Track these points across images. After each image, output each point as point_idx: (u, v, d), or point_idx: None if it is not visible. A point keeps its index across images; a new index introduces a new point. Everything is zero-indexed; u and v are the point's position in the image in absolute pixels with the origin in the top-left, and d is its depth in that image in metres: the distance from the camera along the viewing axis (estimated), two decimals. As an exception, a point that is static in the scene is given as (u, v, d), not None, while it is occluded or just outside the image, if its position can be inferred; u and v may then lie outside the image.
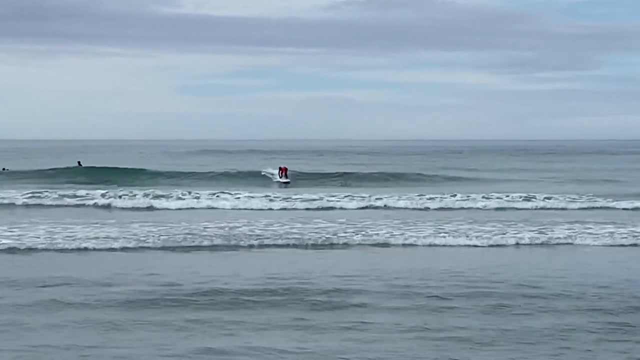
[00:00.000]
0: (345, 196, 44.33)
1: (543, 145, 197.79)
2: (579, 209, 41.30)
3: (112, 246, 26.39)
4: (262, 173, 62.18)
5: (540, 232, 29.99)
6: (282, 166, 62.83)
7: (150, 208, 41.30)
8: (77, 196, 44.54)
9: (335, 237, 28.67)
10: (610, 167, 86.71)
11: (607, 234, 29.60)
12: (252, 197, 43.91)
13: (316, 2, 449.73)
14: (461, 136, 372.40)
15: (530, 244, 28.17)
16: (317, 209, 40.78)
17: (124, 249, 26.20)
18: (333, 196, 44.23)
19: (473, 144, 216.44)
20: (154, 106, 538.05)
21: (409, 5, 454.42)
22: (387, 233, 29.54)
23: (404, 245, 27.88)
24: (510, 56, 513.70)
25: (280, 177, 59.94)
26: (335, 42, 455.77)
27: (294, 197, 44.19)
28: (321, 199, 43.30)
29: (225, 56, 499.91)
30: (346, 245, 27.63)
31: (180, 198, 44.05)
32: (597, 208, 41.47)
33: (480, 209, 40.97)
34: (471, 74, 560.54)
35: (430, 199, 43.27)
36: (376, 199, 43.25)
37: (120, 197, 43.87)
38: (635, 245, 28.11)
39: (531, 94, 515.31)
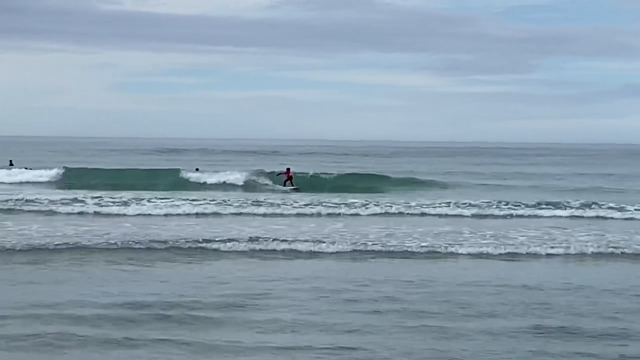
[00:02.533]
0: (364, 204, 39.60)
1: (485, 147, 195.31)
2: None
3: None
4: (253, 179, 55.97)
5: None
6: (286, 170, 54.57)
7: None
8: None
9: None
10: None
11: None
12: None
13: (257, 1, 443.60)
14: (401, 137, 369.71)
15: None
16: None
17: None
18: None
19: (415, 145, 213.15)
20: (90, 103, 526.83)
21: (349, 6, 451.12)
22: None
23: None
24: (449, 59, 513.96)
25: (285, 185, 52.83)
26: (276, 41, 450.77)
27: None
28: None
29: (165, 54, 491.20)
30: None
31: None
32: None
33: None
34: (410, 76, 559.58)
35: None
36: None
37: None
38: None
39: (470, 97, 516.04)
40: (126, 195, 40.93)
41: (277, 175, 54.71)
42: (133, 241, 25.93)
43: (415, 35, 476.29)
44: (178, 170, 58.56)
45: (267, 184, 54.52)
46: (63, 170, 58.54)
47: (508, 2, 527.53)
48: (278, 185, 53.15)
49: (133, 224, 31.24)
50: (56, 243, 25.41)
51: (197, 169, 60.15)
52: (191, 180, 55.90)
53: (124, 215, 35.25)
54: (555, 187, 56.88)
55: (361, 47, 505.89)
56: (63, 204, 37.30)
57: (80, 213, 35.63)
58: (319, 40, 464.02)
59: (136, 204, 37.97)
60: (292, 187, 51.97)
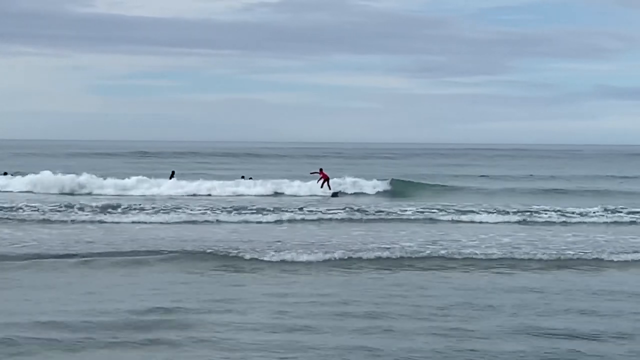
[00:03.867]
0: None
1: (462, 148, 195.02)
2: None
3: None
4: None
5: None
6: (319, 170, 52.78)
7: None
8: None
9: None
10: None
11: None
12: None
13: (230, 3, 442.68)
14: (375, 139, 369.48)
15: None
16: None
17: None
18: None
19: (394, 146, 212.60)
20: (65, 106, 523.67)
21: (323, 8, 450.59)
22: None
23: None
24: (423, 60, 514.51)
25: (322, 186, 51.17)
26: (250, 44, 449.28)
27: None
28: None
29: (139, 57, 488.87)
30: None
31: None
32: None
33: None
34: (385, 78, 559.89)
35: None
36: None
37: None
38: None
39: (444, 99, 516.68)
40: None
41: (312, 173, 53.09)
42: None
43: (388, 37, 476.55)
44: None
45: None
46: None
47: (481, 4, 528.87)
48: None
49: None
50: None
51: (173, 172, 59.09)
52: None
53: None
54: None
55: (335, 49, 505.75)
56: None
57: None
58: (293, 43, 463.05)
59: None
60: (332, 192, 50.30)
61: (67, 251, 25.16)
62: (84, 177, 53.04)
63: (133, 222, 34.46)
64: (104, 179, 53.50)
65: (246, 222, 35.11)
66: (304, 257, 24.08)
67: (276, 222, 35.18)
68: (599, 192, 54.76)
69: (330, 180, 51.84)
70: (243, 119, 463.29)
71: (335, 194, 49.77)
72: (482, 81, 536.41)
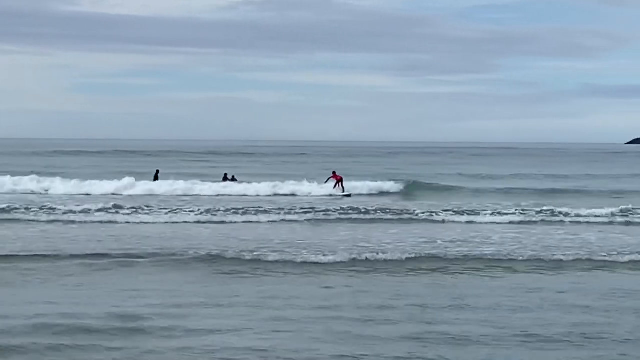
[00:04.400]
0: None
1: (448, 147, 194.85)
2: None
3: None
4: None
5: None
6: (335, 175, 52.18)
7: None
8: None
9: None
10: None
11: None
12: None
13: (215, 2, 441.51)
14: (361, 138, 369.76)
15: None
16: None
17: None
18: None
19: (381, 145, 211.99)
20: (48, 104, 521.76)
21: (308, 7, 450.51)
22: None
23: None
24: (409, 59, 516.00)
25: (335, 188, 50.60)
26: (234, 42, 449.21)
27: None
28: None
29: (123, 55, 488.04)
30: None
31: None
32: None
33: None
34: (370, 76, 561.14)
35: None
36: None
37: None
38: None
39: (430, 97, 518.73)
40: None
41: (326, 182, 51.92)
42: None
43: (373, 35, 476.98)
44: None
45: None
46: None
47: (467, 3, 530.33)
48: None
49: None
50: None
51: (157, 172, 57.90)
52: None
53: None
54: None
55: (319, 47, 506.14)
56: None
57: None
58: (278, 42, 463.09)
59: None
60: (344, 193, 49.55)
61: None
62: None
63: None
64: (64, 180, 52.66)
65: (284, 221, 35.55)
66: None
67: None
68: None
69: (345, 182, 51.57)
70: (228, 117, 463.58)
71: (348, 195, 49.07)
72: (468, 80, 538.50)
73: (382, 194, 51.65)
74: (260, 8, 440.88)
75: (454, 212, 37.64)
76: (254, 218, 35.89)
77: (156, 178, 56.13)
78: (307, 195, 49.08)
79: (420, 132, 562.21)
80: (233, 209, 37.78)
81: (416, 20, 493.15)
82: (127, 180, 52.39)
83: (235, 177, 59.19)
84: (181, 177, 56.36)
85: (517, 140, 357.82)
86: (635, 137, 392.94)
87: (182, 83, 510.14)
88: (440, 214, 36.95)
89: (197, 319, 15.98)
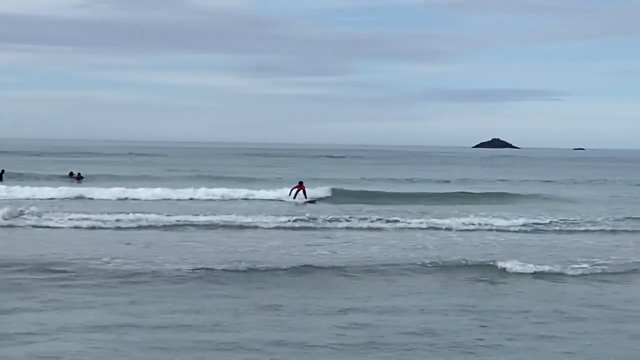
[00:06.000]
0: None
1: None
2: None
3: None
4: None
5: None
6: (299, 183, 50.27)
7: None
8: None
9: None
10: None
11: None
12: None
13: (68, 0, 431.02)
14: (213, 139, 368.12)
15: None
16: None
17: None
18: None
19: (229, 146, 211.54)
20: None
21: (160, 7, 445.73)
22: None
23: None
24: (262, 60, 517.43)
25: (295, 197, 48.53)
26: (86, 41, 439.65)
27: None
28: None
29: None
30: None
31: None
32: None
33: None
34: (222, 77, 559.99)
35: None
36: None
37: None
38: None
39: (279, 98, 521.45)
40: None
41: (294, 196, 48.89)
42: None
43: (226, 36, 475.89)
44: None
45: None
46: None
47: (316, 5, 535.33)
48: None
49: None
50: None
51: (2, 171, 56.10)
52: None
53: None
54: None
55: (172, 47, 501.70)
56: None
57: None
58: (130, 40, 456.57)
59: None
60: (307, 200, 47.98)
61: None
62: None
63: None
64: None
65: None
66: None
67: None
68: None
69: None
70: (78, 116, 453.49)
71: (312, 201, 47.83)
72: (316, 82, 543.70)
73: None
74: (113, 7, 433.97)
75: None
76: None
77: (0, 178, 54.51)
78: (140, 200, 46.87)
79: (272, 134, 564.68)
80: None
81: (268, 21, 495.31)
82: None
83: (81, 174, 58.09)
84: (28, 177, 54.77)
85: (367, 143, 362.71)
86: (482, 141, 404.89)
87: (31, 81, 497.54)
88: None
89: None
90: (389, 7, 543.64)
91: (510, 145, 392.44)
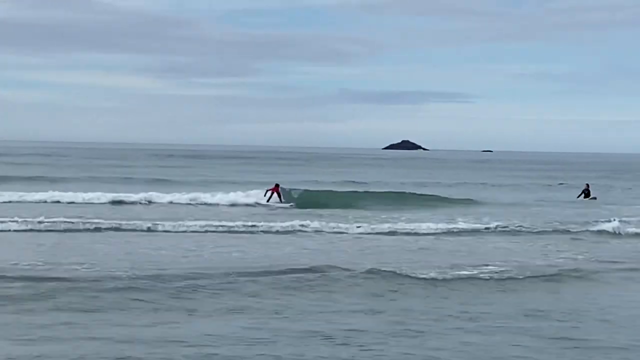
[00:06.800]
0: None
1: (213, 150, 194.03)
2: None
3: None
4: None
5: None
6: (275, 186, 48.83)
7: None
8: None
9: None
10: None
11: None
12: None
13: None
14: (121, 139, 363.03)
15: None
16: None
17: None
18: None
19: (135, 147, 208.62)
20: None
21: (67, 6, 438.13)
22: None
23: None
24: (171, 61, 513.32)
25: (269, 200, 47.03)
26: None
27: None
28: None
29: None
30: None
31: None
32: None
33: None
34: (131, 78, 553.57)
35: None
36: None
37: None
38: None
39: (191, 99, 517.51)
40: None
41: (268, 199, 47.52)
42: None
43: (134, 36, 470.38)
44: None
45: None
46: None
47: (228, 6, 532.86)
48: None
49: None
50: None
51: None
52: None
53: None
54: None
55: (80, 47, 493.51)
56: None
57: None
58: (34, 40, 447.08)
59: None
60: (280, 202, 46.85)
61: None
62: None
63: None
64: None
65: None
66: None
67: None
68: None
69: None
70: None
71: (286, 204, 46.66)
72: (229, 83, 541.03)
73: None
74: (17, 5, 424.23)
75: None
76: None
77: None
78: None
79: (183, 135, 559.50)
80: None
81: (178, 22, 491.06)
82: None
83: None
84: None
85: (280, 144, 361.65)
86: (391, 143, 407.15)
87: None
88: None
89: None
90: (302, 8, 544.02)
91: (419, 147, 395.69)
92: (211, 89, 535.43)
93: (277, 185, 48.92)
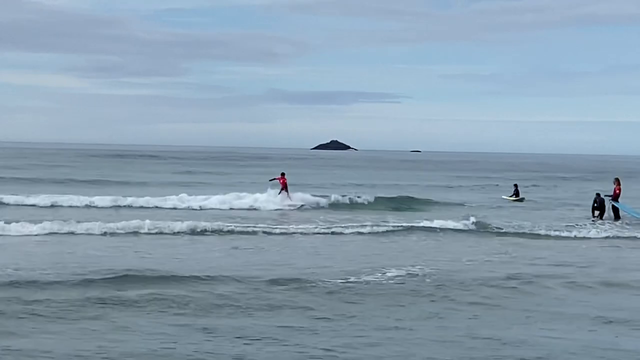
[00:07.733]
0: None
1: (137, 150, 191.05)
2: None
3: None
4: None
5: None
6: (281, 175, 44.65)
7: None
8: None
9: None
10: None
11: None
12: None
13: None
14: (47, 139, 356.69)
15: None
16: None
17: None
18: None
19: (61, 147, 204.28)
20: None
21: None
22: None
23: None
24: (97, 60, 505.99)
25: (280, 194, 43.68)
26: None
27: None
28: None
29: None
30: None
31: None
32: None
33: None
34: (57, 77, 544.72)
35: None
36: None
37: None
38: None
39: (119, 99, 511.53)
40: None
41: (271, 180, 45.97)
42: None
43: (61, 35, 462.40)
44: None
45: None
46: None
47: (155, 6, 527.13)
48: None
49: None
50: None
51: None
52: None
53: None
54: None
55: (4, 46, 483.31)
56: None
57: None
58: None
59: None
60: (292, 204, 42.89)
61: None
62: None
63: None
64: None
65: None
66: None
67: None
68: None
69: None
70: None
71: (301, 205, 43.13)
72: (157, 82, 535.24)
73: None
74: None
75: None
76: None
77: None
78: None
79: (112, 135, 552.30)
80: None
81: (106, 21, 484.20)
82: None
83: None
84: None
85: (209, 144, 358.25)
86: (320, 143, 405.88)
87: None
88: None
89: None
90: (231, 8, 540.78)
91: (349, 147, 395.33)
92: (140, 89, 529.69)
93: (283, 175, 44.55)
